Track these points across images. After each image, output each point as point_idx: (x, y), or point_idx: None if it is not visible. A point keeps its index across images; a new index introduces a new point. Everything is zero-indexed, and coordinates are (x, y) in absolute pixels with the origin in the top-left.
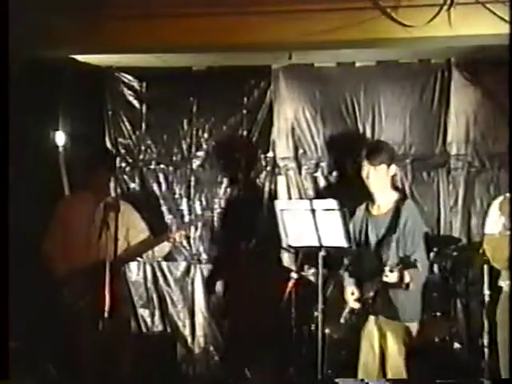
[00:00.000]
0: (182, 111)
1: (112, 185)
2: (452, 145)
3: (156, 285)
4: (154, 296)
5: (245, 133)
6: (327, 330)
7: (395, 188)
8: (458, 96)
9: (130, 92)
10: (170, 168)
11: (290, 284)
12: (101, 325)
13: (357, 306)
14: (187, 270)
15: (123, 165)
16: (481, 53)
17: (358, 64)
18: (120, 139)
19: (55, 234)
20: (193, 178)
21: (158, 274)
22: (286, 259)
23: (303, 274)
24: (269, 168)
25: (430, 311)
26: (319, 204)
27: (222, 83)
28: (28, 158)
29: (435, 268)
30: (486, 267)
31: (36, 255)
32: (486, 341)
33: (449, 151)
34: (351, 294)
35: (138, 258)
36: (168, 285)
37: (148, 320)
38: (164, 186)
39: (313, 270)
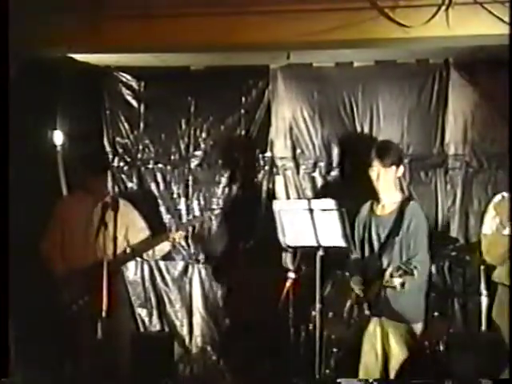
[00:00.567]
0: (180, 111)
1: (110, 184)
2: (450, 145)
3: (154, 284)
4: (152, 296)
5: (243, 132)
6: (325, 330)
7: (400, 189)
8: (456, 96)
9: (128, 91)
10: (168, 167)
11: (288, 284)
12: (99, 324)
13: (360, 317)
14: (185, 270)
15: (121, 164)
16: (479, 53)
17: (356, 64)
18: (118, 138)
19: (53, 234)
20: (191, 178)
21: (156, 273)
22: (284, 259)
23: (300, 273)
24: (267, 168)
25: (429, 311)
26: (317, 204)
27: (220, 83)
28: (26, 158)
29: (433, 268)
30: (483, 267)
31: (34, 255)
32: None
33: (447, 151)
34: (356, 296)
35: (137, 258)
36: (166, 284)
37: (146, 319)
38: (162, 186)
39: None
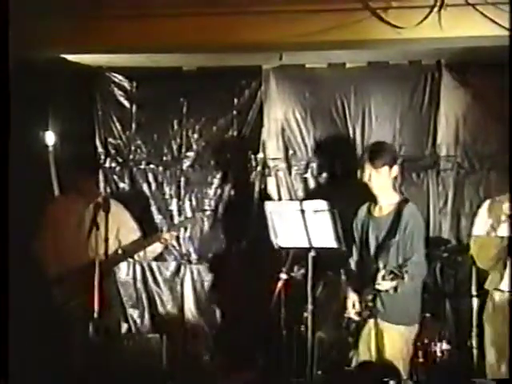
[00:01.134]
0: (172, 111)
1: (102, 185)
2: (442, 146)
3: (145, 285)
4: (144, 296)
5: (235, 133)
6: (318, 332)
7: (397, 190)
8: (448, 97)
9: (120, 92)
10: (160, 168)
11: (280, 284)
12: (91, 325)
13: (357, 318)
14: (177, 270)
15: (113, 165)
16: (471, 54)
17: (348, 65)
18: (110, 139)
19: (45, 234)
20: (183, 179)
21: (148, 274)
22: (276, 260)
23: (292, 274)
24: (259, 169)
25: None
26: (309, 205)
27: (212, 84)
28: (18, 158)
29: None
30: (474, 268)
31: (26, 255)
32: (474, 341)
33: (438, 153)
34: (352, 306)
35: (129, 259)
36: (157, 285)
37: (138, 320)
38: (154, 186)
39: (302, 271)
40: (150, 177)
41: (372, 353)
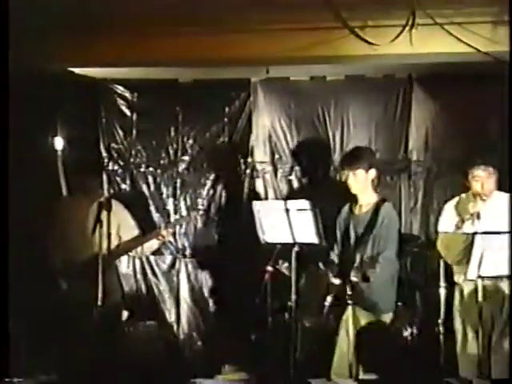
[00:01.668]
0: (169, 119)
1: (105, 185)
2: (413, 152)
3: (145, 277)
4: (143, 287)
5: (226, 139)
6: (302, 319)
7: (375, 190)
8: (419, 108)
9: (122, 102)
10: (158, 171)
11: (266, 276)
12: (94, 312)
13: (336, 306)
14: (173, 264)
15: (115, 167)
16: (439, 69)
17: (328, 78)
18: (113, 144)
19: (54, 231)
20: (179, 180)
21: (147, 266)
22: (263, 254)
23: (278, 267)
24: (248, 171)
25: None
26: (293, 204)
27: (205, 94)
28: (30, 162)
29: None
30: (442, 262)
31: (36, 249)
32: (441, 327)
33: (410, 158)
34: (332, 295)
35: (129, 253)
36: (155, 277)
37: (137, 309)
38: (152, 187)
39: (287, 264)
40: (149, 178)
41: (350, 337)
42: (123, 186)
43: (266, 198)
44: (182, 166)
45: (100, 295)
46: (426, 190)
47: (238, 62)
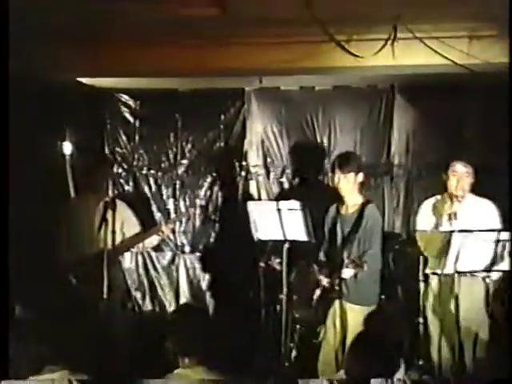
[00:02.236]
0: (169, 126)
1: (110, 187)
2: (395, 156)
3: (146, 271)
4: (145, 281)
5: (222, 144)
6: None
7: (361, 192)
8: (400, 115)
9: (126, 109)
10: (159, 173)
11: (259, 271)
12: (100, 304)
13: (324, 299)
14: (172, 260)
15: (119, 170)
16: (419, 79)
17: (317, 88)
18: (117, 149)
19: (63, 229)
20: (178, 182)
21: (148, 262)
22: (256, 250)
23: (270, 263)
24: (242, 174)
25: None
26: (284, 204)
27: (203, 103)
28: (40, 165)
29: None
30: (421, 258)
31: (46, 246)
32: (421, 318)
33: (392, 161)
34: (321, 289)
35: (131, 249)
36: (157, 271)
37: (140, 301)
38: (154, 188)
39: (278, 260)
40: (151, 180)
41: (336, 329)
42: (126, 188)
43: (259, 199)
44: (181, 169)
45: (105, 288)
46: (407, 191)
47: (233, 72)
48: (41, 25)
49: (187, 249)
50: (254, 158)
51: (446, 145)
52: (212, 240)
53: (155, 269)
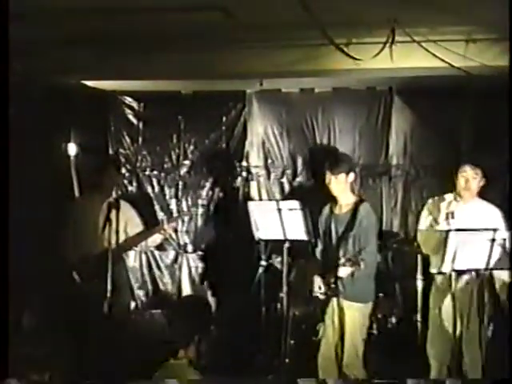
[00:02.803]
0: (172, 127)
1: (114, 187)
2: (393, 157)
3: (150, 270)
4: (148, 279)
5: (224, 145)
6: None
7: (353, 192)
8: (398, 117)
9: (129, 111)
10: (162, 174)
11: (260, 270)
12: (105, 303)
13: (322, 297)
14: (175, 259)
15: (123, 171)
16: (417, 82)
17: (316, 90)
18: (121, 150)
19: (68, 228)
20: (180, 183)
21: (152, 261)
22: (257, 249)
23: (270, 261)
24: (243, 174)
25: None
26: (284, 204)
27: (205, 105)
28: (46, 166)
29: (379, 257)
30: (419, 257)
31: (52, 245)
32: (418, 316)
33: (390, 162)
34: (319, 287)
35: (135, 248)
36: (160, 270)
37: (143, 299)
38: (157, 189)
39: (279, 259)
40: (154, 181)
41: (335, 326)
42: (130, 188)
43: (260, 199)
44: (183, 170)
45: (109, 287)
46: (404, 191)
47: (235, 75)
48: (48, 28)
49: (190, 248)
50: (254, 159)
51: (442, 146)
52: (213, 240)
53: (158, 267)
